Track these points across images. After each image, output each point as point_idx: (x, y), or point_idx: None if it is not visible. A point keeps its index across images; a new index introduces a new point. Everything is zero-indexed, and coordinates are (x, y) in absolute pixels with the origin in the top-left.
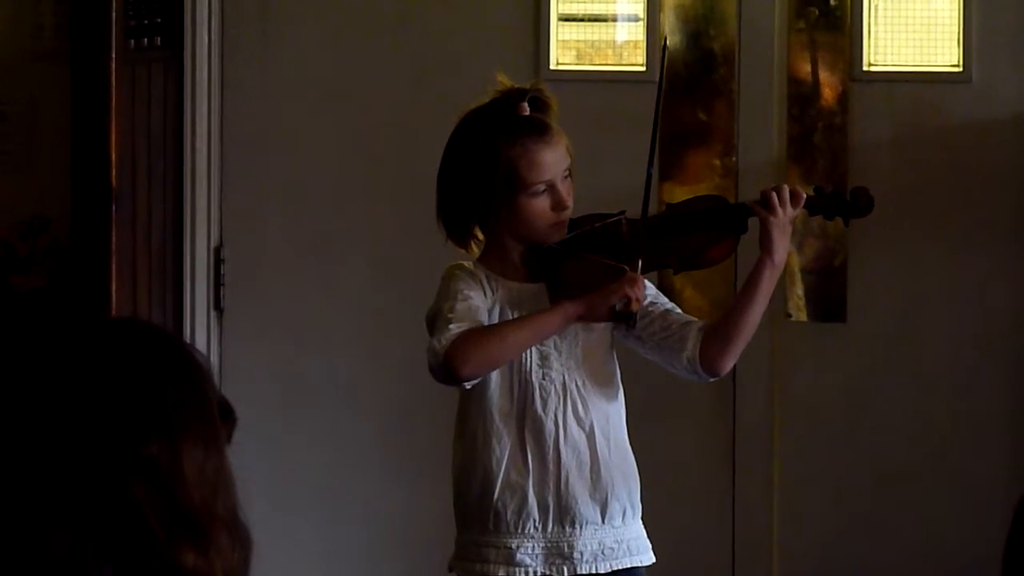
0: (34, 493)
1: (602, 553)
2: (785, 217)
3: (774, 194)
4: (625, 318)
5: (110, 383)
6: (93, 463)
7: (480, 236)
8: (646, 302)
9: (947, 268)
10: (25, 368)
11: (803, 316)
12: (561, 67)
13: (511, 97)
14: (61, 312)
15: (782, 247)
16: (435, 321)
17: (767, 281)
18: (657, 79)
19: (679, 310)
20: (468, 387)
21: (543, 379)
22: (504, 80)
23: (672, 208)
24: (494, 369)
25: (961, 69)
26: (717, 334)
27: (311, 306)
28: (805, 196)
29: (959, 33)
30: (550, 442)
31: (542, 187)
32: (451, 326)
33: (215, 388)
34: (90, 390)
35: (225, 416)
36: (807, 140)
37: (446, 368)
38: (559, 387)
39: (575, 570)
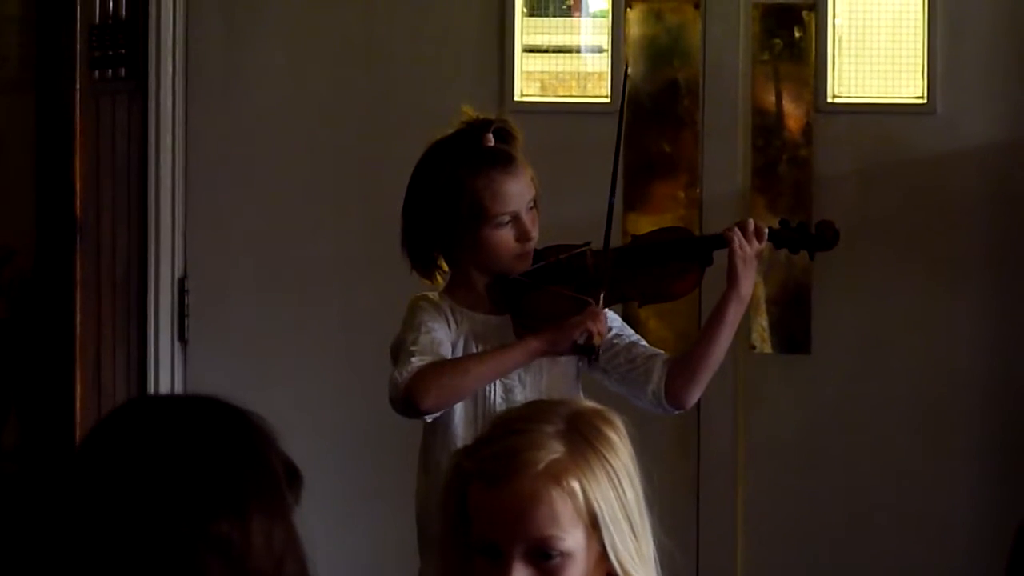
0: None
1: None
2: (751, 251)
3: (740, 228)
4: (587, 351)
5: (182, 466)
6: (165, 543)
7: (445, 267)
8: (611, 334)
9: (912, 299)
10: (97, 450)
11: (768, 348)
12: (525, 98)
13: (476, 128)
14: (26, 343)
15: (748, 280)
16: (398, 353)
17: (732, 314)
18: (619, 108)
19: (645, 342)
20: (429, 420)
21: None
22: (469, 111)
23: (637, 240)
24: (455, 403)
25: (925, 101)
26: (682, 367)
27: (275, 337)
28: (769, 230)
29: (923, 65)
30: None
31: (507, 218)
32: (413, 359)
33: (281, 454)
34: (162, 473)
35: (292, 479)
36: (771, 171)
37: (407, 401)
38: None
39: None
